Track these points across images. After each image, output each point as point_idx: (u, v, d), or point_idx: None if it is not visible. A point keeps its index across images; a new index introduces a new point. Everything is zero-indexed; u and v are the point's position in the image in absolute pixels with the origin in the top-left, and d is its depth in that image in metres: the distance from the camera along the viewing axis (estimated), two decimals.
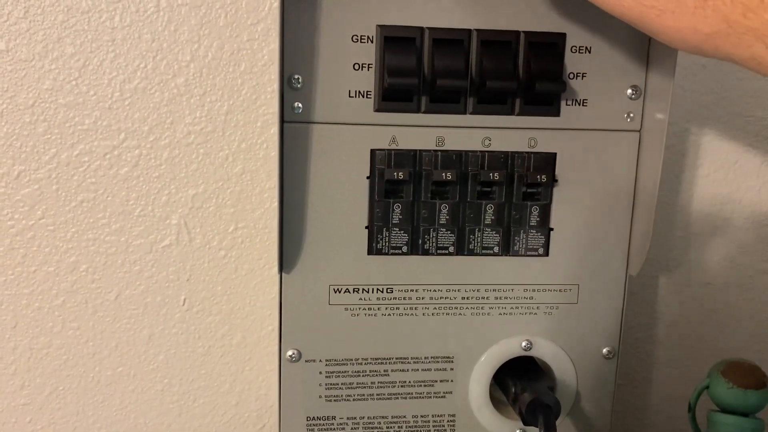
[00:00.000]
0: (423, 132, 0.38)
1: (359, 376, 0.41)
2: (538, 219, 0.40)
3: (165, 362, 0.47)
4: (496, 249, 0.40)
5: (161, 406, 0.48)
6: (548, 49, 0.38)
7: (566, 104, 0.39)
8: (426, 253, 0.40)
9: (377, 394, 0.41)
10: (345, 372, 0.41)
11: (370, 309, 0.40)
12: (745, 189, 0.50)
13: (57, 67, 0.42)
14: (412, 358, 0.41)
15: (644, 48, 0.39)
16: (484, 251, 0.40)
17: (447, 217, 0.39)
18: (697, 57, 0.47)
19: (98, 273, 0.45)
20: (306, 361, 0.40)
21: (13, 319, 0.45)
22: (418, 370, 0.41)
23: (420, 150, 0.38)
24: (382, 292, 0.40)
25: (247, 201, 0.45)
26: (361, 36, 0.37)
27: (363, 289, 0.40)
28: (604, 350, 0.42)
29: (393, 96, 0.37)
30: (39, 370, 0.46)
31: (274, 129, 0.44)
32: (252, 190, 0.45)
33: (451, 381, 0.42)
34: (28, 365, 0.46)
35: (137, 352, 0.47)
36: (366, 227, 0.39)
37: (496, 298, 0.41)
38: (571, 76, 0.39)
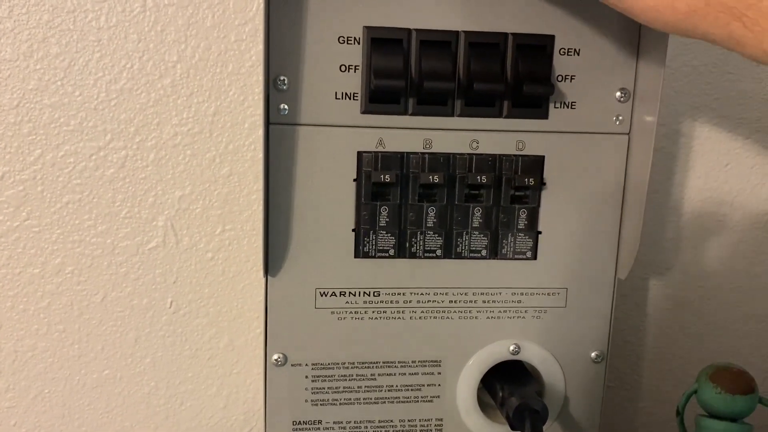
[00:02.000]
0: (410, 134, 0.38)
1: (346, 380, 0.41)
2: (526, 222, 0.40)
3: (152, 365, 0.47)
4: (483, 252, 0.40)
5: (148, 409, 0.48)
6: (536, 51, 0.37)
7: (554, 107, 0.39)
8: (413, 256, 0.40)
9: (364, 399, 0.41)
10: (331, 376, 0.40)
11: (356, 312, 0.40)
12: (736, 191, 0.49)
13: (42, 67, 0.42)
14: (399, 362, 0.41)
15: (633, 50, 0.38)
16: (471, 254, 0.40)
17: (434, 220, 0.39)
18: (687, 58, 0.47)
19: (84, 275, 0.45)
20: (292, 365, 0.40)
21: None
22: (405, 374, 0.41)
23: (407, 152, 0.38)
24: (369, 295, 0.40)
25: (235, 203, 0.45)
26: (347, 37, 0.36)
27: (350, 293, 0.40)
28: (593, 354, 0.42)
29: (380, 98, 0.37)
30: (24, 373, 0.46)
31: (262, 130, 0.43)
32: (239, 192, 0.45)
33: (439, 385, 0.41)
34: (13, 368, 0.46)
35: (123, 354, 0.46)
36: (353, 230, 0.39)
37: (484, 301, 0.41)
38: (560, 78, 0.38)
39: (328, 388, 0.41)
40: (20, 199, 0.43)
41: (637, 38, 0.38)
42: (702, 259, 0.50)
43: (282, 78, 0.37)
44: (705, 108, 0.48)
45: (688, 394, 0.40)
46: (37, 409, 0.47)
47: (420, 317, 0.40)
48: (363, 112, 0.37)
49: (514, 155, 0.39)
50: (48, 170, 0.43)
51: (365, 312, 0.40)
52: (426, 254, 0.40)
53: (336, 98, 0.37)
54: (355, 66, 0.37)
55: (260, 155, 0.44)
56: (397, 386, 0.41)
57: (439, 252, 0.40)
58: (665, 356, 0.52)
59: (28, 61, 0.42)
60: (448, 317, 0.41)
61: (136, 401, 0.47)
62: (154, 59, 0.43)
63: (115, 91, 0.43)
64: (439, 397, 0.42)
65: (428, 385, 0.41)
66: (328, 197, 0.38)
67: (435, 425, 0.42)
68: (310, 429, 0.41)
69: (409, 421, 0.42)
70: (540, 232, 0.40)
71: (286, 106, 0.37)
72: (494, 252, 0.40)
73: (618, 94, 0.39)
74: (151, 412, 0.48)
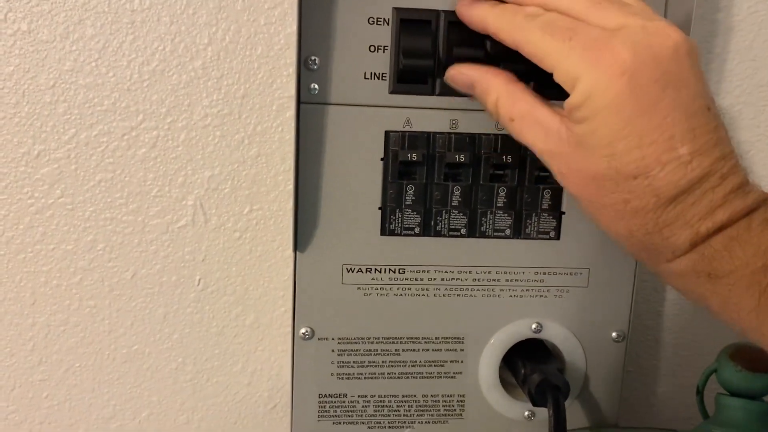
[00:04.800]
0: (437, 114, 0.39)
1: (371, 354, 0.42)
2: (550, 202, 0.40)
3: (179, 341, 0.48)
4: (507, 231, 0.41)
5: (175, 385, 0.49)
6: None
7: None
8: (438, 234, 0.40)
9: (388, 373, 0.42)
10: (357, 350, 0.41)
11: (382, 289, 0.41)
12: (758, 178, 0.49)
13: (77, 49, 0.43)
14: (423, 338, 0.42)
15: None
16: (495, 233, 0.41)
17: (459, 199, 0.40)
18: (710, 46, 0.47)
19: (115, 252, 0.46)
20: (319, 339, 0.41)
21: (32, 296, 0.46)
22: (428, 350, 0.42)
23: (434, 132, 0.39)
24: (395, 272, 0.41)
25: (262, 183, 0.46)
26: (377, 18, 0.37)
27: (375, 269, 0.41)
28: (614, 334, 0.43)
29: (408, 78, 0.38)
30: (56, 347, 0.47)
31: (290, 113, 0.44)
32: (267, 172, 0.46)
33: (462, 362, 0.42)
34: (46, 342, 0.47)
35: (152, 330, 0.48)
36: (379, 208, 0.40)
37: (507, 280, 0.42)
38: None
39: (354, 362, 0.41)
40: (54, 177, 0.45)
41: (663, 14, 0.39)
42: None
43: (313, 58, 0.38)
44: (726, 95, 0.48)
45: (708, 372, 0.41)
46: (68, 383, 0.48)
47: (444, 294, 0.41)
48: (391, 92, 0.38)
49: None
50: (82, 149, 0.44)
51: (390, 288, 0.41)
52: (450, 233, 0.40)
53: (365, 78, 0.38)
54: (384, 46, 0.38)
55: (288, 137, 0.45)
56: (420, 362, 0.42)
57: (463, 231, 0.40)
58: (683, 341, 0.52)
59: (64, 42, 0.43)
60: (471, 295, 0.41)
61: (163, 376, 0.48)
62: (186, 41, 0.44)
63: (148, 73, 0.44)
64: (461, 373, 0.42)
65: (451, 362, 0.42)
66: (356, 175, 0.39)
67: (457, 401, 0.43)
68: (335, 402, 0.42)
69: (431, 396, 0.43)
70: (563, 213, 0.41)
71: (316, 86, 0.38)
72: (518, 231, 0.41)
73: None
74: (177, 388, 0.49)
